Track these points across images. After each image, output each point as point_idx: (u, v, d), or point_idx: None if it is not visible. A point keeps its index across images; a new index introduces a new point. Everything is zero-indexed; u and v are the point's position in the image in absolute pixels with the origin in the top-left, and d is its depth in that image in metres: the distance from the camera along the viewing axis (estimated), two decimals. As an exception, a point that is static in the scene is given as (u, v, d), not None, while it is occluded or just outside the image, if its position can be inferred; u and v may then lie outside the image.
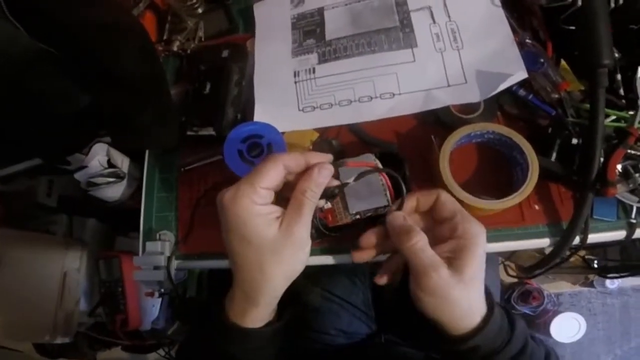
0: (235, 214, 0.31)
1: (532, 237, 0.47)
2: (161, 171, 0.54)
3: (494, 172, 0.48)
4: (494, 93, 0.46)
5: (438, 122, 0.48)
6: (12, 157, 0.59)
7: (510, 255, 0.81)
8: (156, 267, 0.50)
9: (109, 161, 0.63)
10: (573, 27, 0.46)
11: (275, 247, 0.32)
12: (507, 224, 0.47)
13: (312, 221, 0.46)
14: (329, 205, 0.44)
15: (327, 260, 0.49)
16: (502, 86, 0.45)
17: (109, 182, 0.62)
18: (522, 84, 0.46)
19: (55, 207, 0.76)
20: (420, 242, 0.35)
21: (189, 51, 0.56)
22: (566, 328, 1.06)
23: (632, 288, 1.14)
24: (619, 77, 0.46)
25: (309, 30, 0.54)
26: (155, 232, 0.52)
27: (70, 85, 0.48)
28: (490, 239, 0.45)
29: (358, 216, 0.43)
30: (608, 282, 1.07)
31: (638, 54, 0.46)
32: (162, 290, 0.51)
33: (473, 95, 0.46)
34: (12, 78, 0.46)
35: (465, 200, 0.43)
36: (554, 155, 0.45)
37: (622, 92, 0.46)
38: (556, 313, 1.06)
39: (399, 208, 0.40)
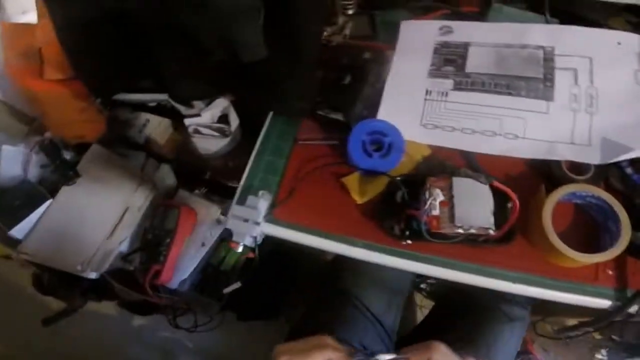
0: None
1: (597, 297, 0.49)
2: (277, 137, 0.59)
3: (581, 235, 0.51)
4: (613, 160, 0.50)
5: (547, 174, 0.52)
6: (143, 86, 0.64)
7: (546, 316, 0.83)
8: (245, 220, 0.53)
9: (219, 117, 0.68)
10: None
11: None
12: (580, 279, 0.49)
13: (405, 220, 0.50)
14: (437, 211, 0.47)
15: (403, 264, 0.51)
16: (623, 157, 0.49)
17: (214, 135, 0.66)
18: (631, 162, 0.50)
19: (141, 144, 0.80)
20: None
21: (334, 43, 0.62)
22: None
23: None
24: None
25: (450, 59, 0.60)
26: (256, 190, 0.55)
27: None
28: (558, 289, 0.49)
29: (461, 230, 0.47)
30: (607, 363, 1.06)
31: None
32: (247, 244, 0.53)
33: (594, 157, 0.50)
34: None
35: (559, 248, 0.46)
36: (644, 234, 0.49)
37: None
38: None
39: None
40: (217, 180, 0.80)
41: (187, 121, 0.66)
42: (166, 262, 0.80)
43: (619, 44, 0.57)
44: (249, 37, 0.47)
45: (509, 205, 0.49)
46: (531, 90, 0.55)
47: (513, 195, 0.45)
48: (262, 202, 0.53)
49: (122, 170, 0.75)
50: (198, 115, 0.65)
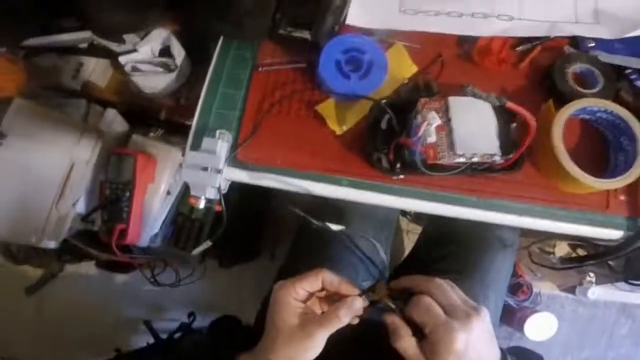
0: (275, 298, 0.41)
1: (609, 227, 0.44)
2: (232, 65, 0.48)
3: (591, 156, 0.45)
4: (625, 35, 0.44)
5: (551, 88, 0.45)
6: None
7: (542, 240, 0.81)
8: (204, 169, 0.44)
9: (160, 51, 0.56)
10: None
11: (289, 333, 0.39)
12: (591, 207, 0.44)
13: (395, 151, 0.42)
14: (433, 138, 0.40)
15: (396, 202, 0.45)
16: (635, 32, 0.44)
17: (156, 72, 0.55)
18: (641, 74, 0.44)
19: (77, 90, 0.67)
20: (405, 342, 0.38)
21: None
22: (538, 327, 1.10)
23: (605, 303, 1.19)
24: None
25: None
26: (211, 130, 0.46)
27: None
28: (569, 219, 0.44)
29: (462, 159, 0.40)
30: (590, 292, 1.11)
31: None
32: (210, 197, 0.45)
33: (601, 33, 0.45)
34: None
35: (573, 172, 0.40)
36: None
37: None
38: (534, 311, 1.09)
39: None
40: (173, 120, 0.70)
41: (122, 59, 0.55)
42: (130, 219, 0.72)
43: None
44: None
45: (513, 126, 0.41)
46: (524, -32, 0.47)
47: (528, 116, 0.37)
48: (222, 144, 0.44)
49: (56, 121, 0.64)
50: (134, 50, 0.53)
